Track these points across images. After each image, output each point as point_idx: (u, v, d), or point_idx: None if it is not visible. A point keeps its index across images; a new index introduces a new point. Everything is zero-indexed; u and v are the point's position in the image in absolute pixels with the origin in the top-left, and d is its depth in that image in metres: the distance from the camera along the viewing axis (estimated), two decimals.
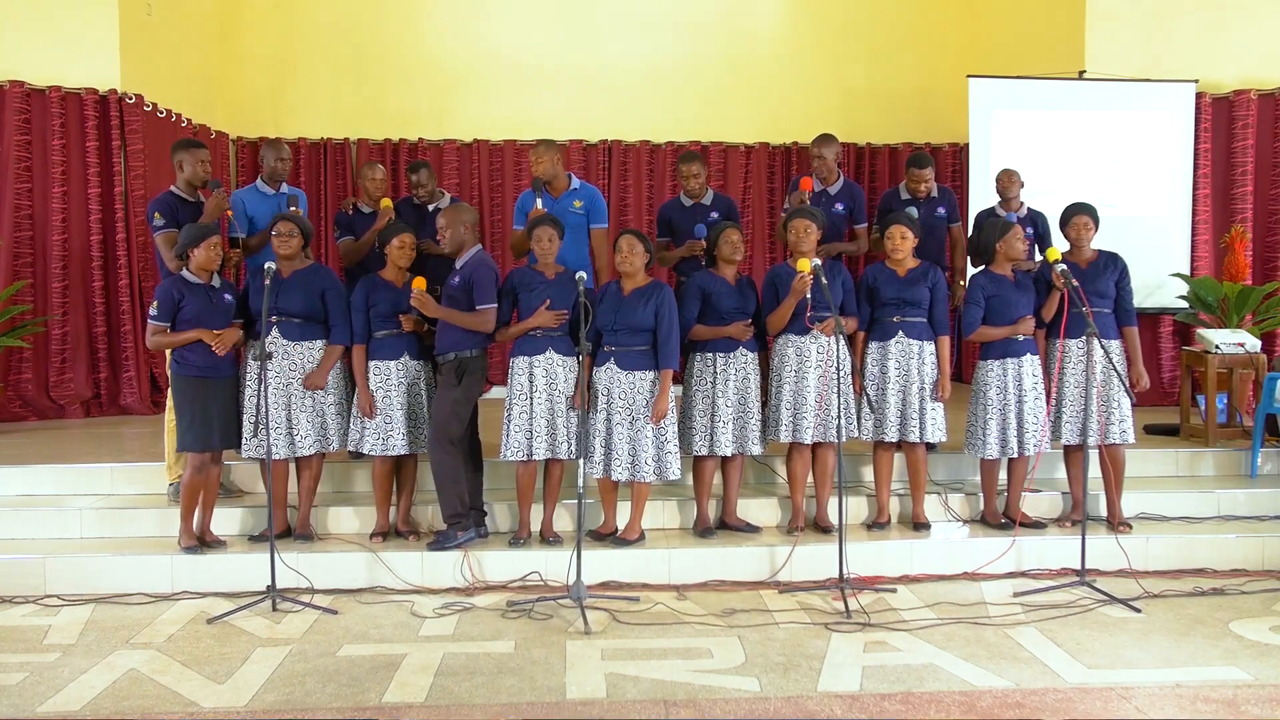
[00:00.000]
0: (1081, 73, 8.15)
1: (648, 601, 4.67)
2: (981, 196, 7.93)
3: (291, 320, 4.97)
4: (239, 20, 9.31)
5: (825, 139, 5.96)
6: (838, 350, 5.06)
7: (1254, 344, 6.49)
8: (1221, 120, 8.33)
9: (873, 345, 5.25)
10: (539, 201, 5.46)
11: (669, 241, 5.90)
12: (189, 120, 8.35)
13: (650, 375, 4.97)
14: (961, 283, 6.13)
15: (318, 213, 9.14)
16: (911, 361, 5.18)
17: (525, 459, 4.95)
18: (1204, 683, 3.78)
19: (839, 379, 5.05)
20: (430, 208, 5.81)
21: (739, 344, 5.13)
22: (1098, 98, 8.02)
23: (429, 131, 9.34)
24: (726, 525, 5.33)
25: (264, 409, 4.69)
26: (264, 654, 4.08)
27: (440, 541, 4.96)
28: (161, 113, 7.95)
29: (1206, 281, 7.63)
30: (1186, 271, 8.12)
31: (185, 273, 4.83)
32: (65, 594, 4.78)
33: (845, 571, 4.67)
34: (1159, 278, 8.07)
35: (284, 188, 5.64)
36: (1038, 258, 6.07)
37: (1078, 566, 4.83)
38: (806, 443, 5.15)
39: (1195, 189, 8.23)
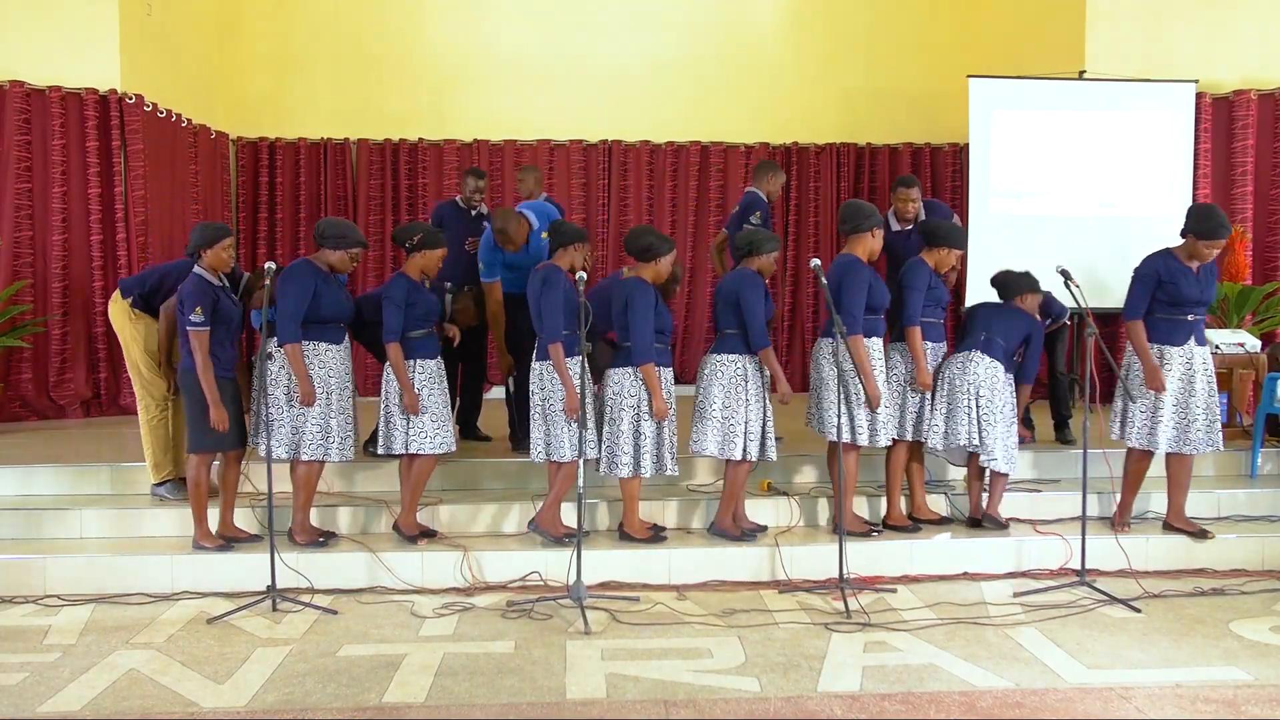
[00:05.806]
0: (1081, 73, 8.14)
1: (648, 601, 4.67)
2: (981, 197, 7.92)
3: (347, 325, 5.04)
4: (239, 20, 9.30)
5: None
6: (836, 353, 5.06)
7: (1254, 344, 6.49)
8: (1221, 120, 8.32)
9: (931, 346, 5.30)
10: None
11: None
12: (189, 120, 8.35)
13: None
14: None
15: (318, 213, 9.17)
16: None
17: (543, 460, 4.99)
18: (1204, 683, 3.78)
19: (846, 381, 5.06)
20: (473, 213, 6.40)
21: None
22: (1098, 98, 8.00)
23: (429, 131, 9.34)
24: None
25: (265, 409, 4.68)
26: (264, 654, 4.08)
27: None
28: (161, 113, 7.94)
29: None
30: None
31: (203, 271, 4.82)
32: (65, 594, 4.78)
33: (845, 571, 4.67)
34: None
35: (481, 207, 6.44)
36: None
37: (1078, 566, 4.83)
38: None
39: (1195, 189, 8.21)
